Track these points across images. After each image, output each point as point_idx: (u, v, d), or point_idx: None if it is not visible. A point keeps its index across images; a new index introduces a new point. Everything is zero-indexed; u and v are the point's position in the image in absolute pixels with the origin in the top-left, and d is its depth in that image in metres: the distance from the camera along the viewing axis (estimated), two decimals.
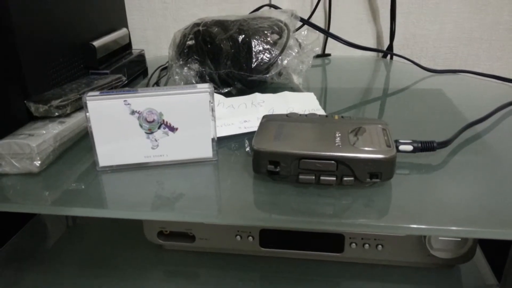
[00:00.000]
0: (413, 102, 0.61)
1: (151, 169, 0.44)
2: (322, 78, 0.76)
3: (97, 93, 0.42)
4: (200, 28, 0.63)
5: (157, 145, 0.43)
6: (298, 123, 0.44)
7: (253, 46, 0.60)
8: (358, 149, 0.38)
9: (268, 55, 0.60)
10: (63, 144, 0.47)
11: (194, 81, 0.64)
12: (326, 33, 0.83)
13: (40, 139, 0.43)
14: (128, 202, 0.39)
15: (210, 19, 0.65)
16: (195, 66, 0.63)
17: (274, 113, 0.58)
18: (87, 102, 0.41)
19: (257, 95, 0.61)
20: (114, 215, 0.39)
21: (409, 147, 0.43)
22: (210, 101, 0.42)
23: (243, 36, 0.60)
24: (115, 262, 0.56)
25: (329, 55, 0.88)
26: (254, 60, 0.60)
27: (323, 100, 0.63)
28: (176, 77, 0.64)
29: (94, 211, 0.39)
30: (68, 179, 0.43)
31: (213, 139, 0.44)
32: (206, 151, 0.45)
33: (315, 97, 0.62)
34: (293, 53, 0.62)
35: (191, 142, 0.44)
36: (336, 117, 0.45)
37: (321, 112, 0.57)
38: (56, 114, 0.48)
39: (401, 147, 0.43)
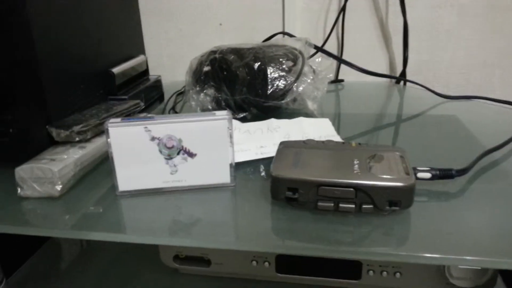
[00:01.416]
0: (427, 128, 0.62)
1: (169, 194, 0.44)
2: (336, 104, 0.77)
3: (118, 120, 0.43)
4: (217, 55, 0.64)
5: (176, 171, 0.44)
6: (315, 150, 0.44)
7: (269, 73, 0.61)
8: (377, 176, 0.38)
9: (284, 82, 0.61)
10: (83, 169, 0.47)
11: (210, 107, 0.65)
12: (340, 60, 0.84)
13: (62, 164, 0.44)
14: (146, 227, 0.39)
15: (226, 47, 0.66)
16: (211, 92, 0.64)
17: (290, 138, 0.58)
18: (109, 128, 0.42)
19: (273, 121, 0.62)
20: (132, 240, 0.39)
21: (427, 175, 0.43)
22: (228, 128, 0.43)
23: (259, 63, 0.61)
24: (130, 285, 0.56)
25: (342, 80, 0.89)
26: (269, 87, 0.61)
27: (337, 125, 0.64)
28: (193, 102, 0.65)
29: (112, 236, 0.39)
30: (88, 203, 0.43)
31: (231, 165, 0.45)
32: (224, 176, 0.45)
33: (330, 123, 0.62)
34: (308, 80, 0.63)
35: (209, 168, 0.44)
36: (354, 144, 0.46)
37: (337, 138, 0.57)
38: (77, 139, 0.49)
39: (419, 175, 0.43)
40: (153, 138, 0.42)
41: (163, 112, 0.71)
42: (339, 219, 0.39)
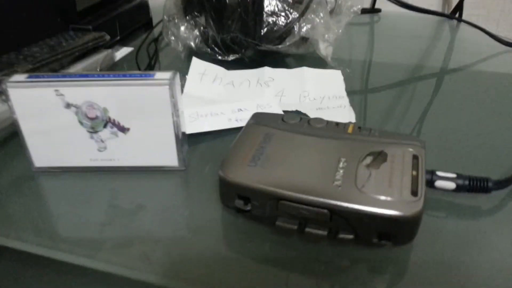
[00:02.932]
0: (471, 96, 0.45)
1: (97, 176, 0.34)
2: (361, 46, 0.60)
3: (23, 77, 0.31)
4: None
5: (105, 147, 0.33)
6: (292, 136, 0.31)
7: (265, 5, 0.45)
8: (366, 196, 0.26)
9: (283, 20, 0.45)
10: (3, 130, 0.38)
11: (193, 45, 0.51)
12: None
13: None
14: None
15: None
16: (196, 25, 0.50)
17: (283, 96, 0.45)
18: (8, 89, 0.30)
19: (266, 70, 0.48)
20: None
21: (451, 185, 0.30)
22: (171, 96, 0.31)
23: None
24: None
25: (379, 10, 0.71)
26: (264, 25, 0.46)
27: (355, 80, 0.49)
28: (172, 37, 0.52)
29: None
30: None
31: (178, 144, 0.33)
32: (169, 158, 0.34)
33: (341, 78, 0.47)
34: (320, 14, 0.47)
35: (148, 146, 0.33)
36: (351, 128, 0.32)
37: (344, 100, 0.43)
38: None
39: (439, 183, 0.30)
40: (68, 105, 0.31)
41: (141, 44, 0.58)
42: (308, 244, 0.28)
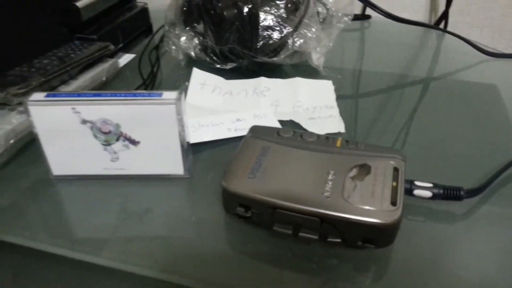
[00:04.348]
0: (454, 103, 0.49)
1: (110, 183, 0.38)
2: (352, 54, 0.64)
3: (42, 95, 0.34)
4: None
5: (117, 158, 0.36)
6: (286, 149, 0.35)
7: (261, 20, 0.49)
8: (351, 206, 0.29)
9: (278, 33, 0.49)
10: (21, 140, 0.41)
11: (193, 54, 0.54)
12: None
13: None
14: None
15: None
16: (195, 36, 0.53)
17: (278, 106, 0.48)
18: (29, 107, 0.34)
19: (262, 81, 0.51)
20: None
21: (428, 193, 0.34)
22: (177, 113, 0.34)
23: (250, 6, 0.49)
24: None
25: (369, 17, 0.74)
26: (260, 39, 0.49)
27: (345, 89, 0.52)
28: (173, 47, 0.55)
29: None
30: (11, 193, 0.37)
31: (184, 154, 0.36)
32: (175, 167, 0.37)
33: (332, 87, 0.51)
34: (312, 29, 0.50)
35: (156, 157, 0.36)
36: (339, 142, 0.36)
37: (334, 111, 0.47)
38: (16, 102, 0.41)
39: (417, 192, 0.34)
40: (84, 121, 0.34)
41: (143, 51, 0.61)
42: (302, 246, 0.32)
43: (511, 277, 0.29)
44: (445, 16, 0.70)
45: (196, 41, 0.54)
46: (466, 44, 0.61)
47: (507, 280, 0.29)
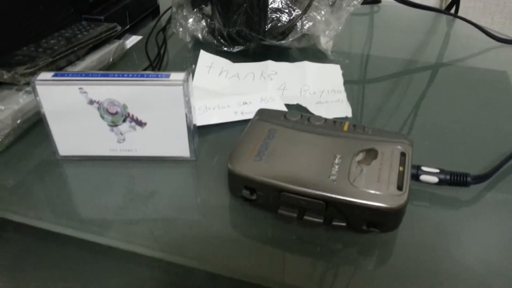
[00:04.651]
0: (463, 89, 0.49)
1: (116, 164, 0.38)
2: (361, 38, 0.63)
3: (49, 75, 0.34)
4: None
5: (124, 139, 0.36)
6: (293, 132, 0.35)
7: (269, 2, 0.48)
8: (357, 189, 0.29)
9: (287, 16, 0.48)
10: (29, 119, 0.41)
11: (200, 36, 0.54)
12: None
13: None
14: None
15: None
16: (203, 18, 0.53)
17: (285, 89, 0.48)
18: (37, 86, 0.34)
19: (269, 64, 0.51)
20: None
21: (434, 179, 0.34)
22: (184, 94, 0.34)
23: None
24: None
25: (379, 1, 0.73)
26: (268, 21, 0.48)
27: (353, 74, 0.52)
28: (180, 29, 0.54)
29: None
30: (15, 173, 0.37)
31: (190, 137, 0.36)
32: (181, 149, 0.37)
33: (340, 72, 0.50)
34: (322, 12, 0.50)
35: (163, 139, 0.37)
36: (346, 126, 0.35)
37: (341, 95, 0.46)
38: (23, 82, 0.41)
39: (424, 177, 0.34)
40: (91, 102, 0.34)
41: (150, 33, 0.60)
42: (307, 230, 0.32)
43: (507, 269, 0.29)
44: (456, 1, 0.68)
45: (203, 23, 0.53)
46: (477, 30, 0.60)
47: (504, 271, 0.29)
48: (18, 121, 0.39)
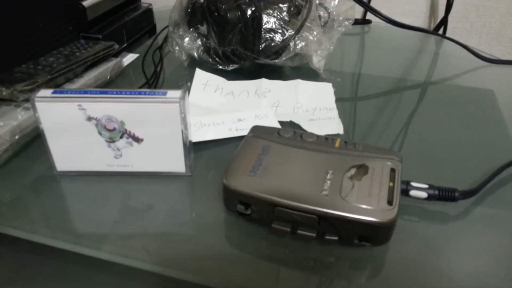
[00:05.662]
0: (451, 107, 0.50)
1: (112, 179, 0.38)
2: (352, 58, 0.64)
3: (48, 92, 0.35)
4: None
5: (120, 155, 0.37)
6: (286, 149, 0.36)
7: (264, 22, 0.50)
8: (349, 204, 0.30)
9: (280, 36, 0.50)
10: (27, 135, 0.41)
11: (196, 55, 0.55)
12: (364, 4, 0.69)
13: None
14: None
15: None
16: (199, 37, 0.54)
17: (279, 107, 0.49)
18: (36, 103, 0.34)
19: (263, 82, 0.52)
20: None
21: (423, 194, 0.35)
22: (181, 112, 0.35)
23: (253, 8, 0.50)
24: None
25: (369, 21, 0.75)
26: (262, 41, 0.50)
27: (344, 92, 0.53)
28: (176, 47, 0.56)
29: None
30: (13, 189, 0.38)
31: (186, 153, 0.37)
32: (177, 165, 0.38)
33: (332, 90, 0.52)
34: (314, 32, 0.51)
35: (159, 155, 0.37)
36: (338, 143, 0.36)
37: (333, 112, 0.48)
38: (21, 99, 0.42)
39: (413, 193, 0.35)
40: (89, 118, 0.35)
41: (147, 51, 0.62)
42: (300, 244, 0.33)
43: (503, 279, 0.30)
44: (444, 22, 0.71)
45: (199, 42, 0.55)
46: (464, 50, 0.63)
47: (500, 281, 0.30)
48: (16, 137, 0.40)
